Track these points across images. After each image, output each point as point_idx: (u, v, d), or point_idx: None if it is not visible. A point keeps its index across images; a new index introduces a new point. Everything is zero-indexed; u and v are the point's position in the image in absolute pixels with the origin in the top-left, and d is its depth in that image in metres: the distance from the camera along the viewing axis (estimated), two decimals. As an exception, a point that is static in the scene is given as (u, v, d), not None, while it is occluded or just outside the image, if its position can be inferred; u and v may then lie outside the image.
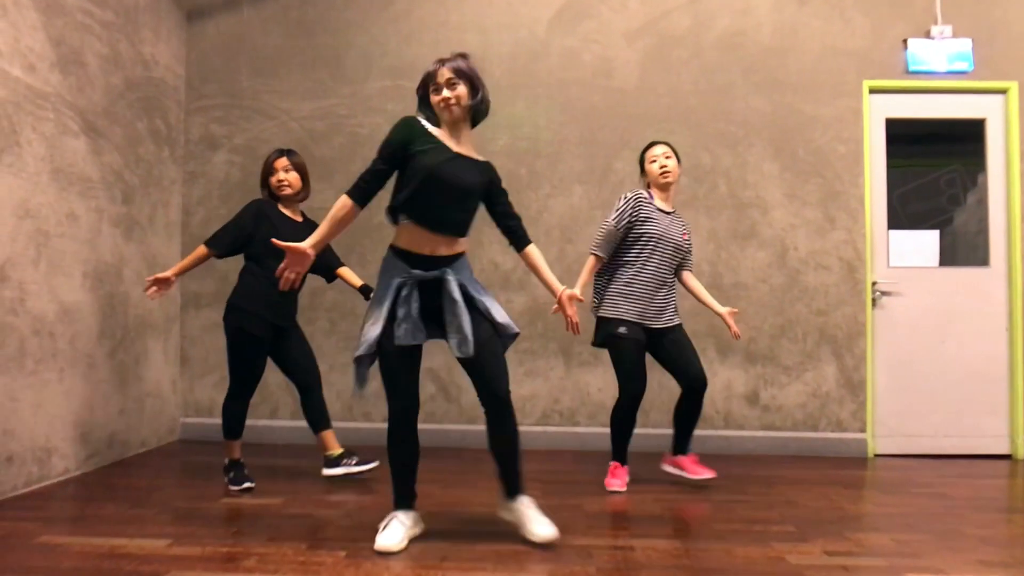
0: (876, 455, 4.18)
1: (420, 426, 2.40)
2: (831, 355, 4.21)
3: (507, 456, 2.46)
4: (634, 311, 3.18)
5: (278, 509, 2.84)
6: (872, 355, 4.22)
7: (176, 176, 4.36)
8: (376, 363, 2.40)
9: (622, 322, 3.18)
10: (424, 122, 2.43)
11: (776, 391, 4.22)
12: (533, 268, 2.58)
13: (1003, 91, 4.26)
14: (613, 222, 3.19)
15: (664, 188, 3.28)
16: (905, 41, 4.27)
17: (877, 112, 4.32)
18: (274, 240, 2.27)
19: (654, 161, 3.27)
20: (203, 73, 4.47)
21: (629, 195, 3.23)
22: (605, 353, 4.20)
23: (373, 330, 2.33)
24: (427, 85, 2.43)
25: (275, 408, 4.33)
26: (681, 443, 3.33)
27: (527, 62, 4.37)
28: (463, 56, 2.43)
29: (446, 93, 2.37)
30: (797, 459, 4.01)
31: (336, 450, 3.30)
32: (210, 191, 4.42)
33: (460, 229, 2.44)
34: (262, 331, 3.10)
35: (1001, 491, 3.43)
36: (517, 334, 2.52)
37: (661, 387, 4.22)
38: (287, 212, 3.24)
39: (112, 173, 3.70)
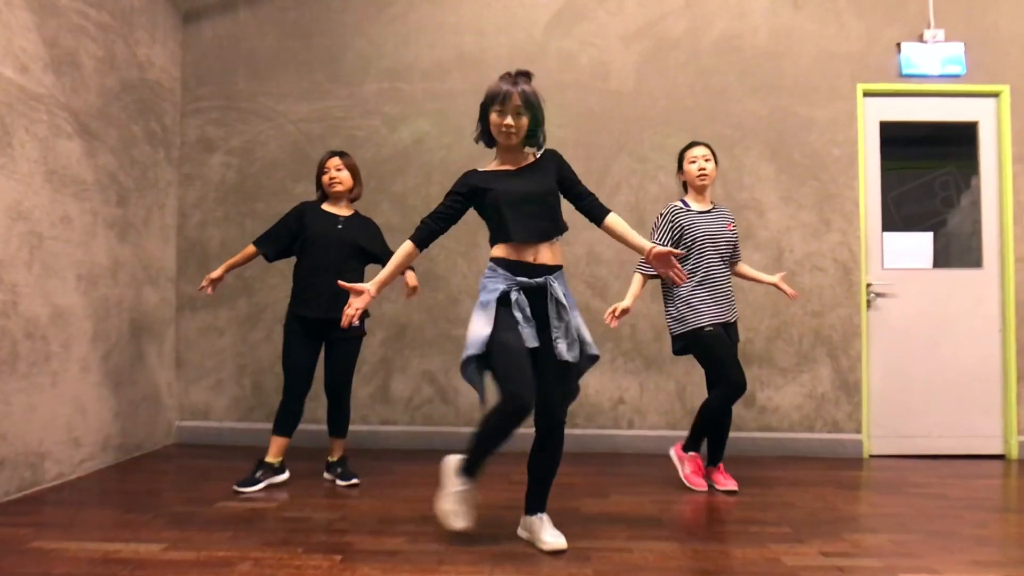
0: (871, 456, 4.19)
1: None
2: (826, 357, 4.22)
3: (544, 477, 2.48)
4: (712, 314, 3.20)
5: (273, 513, 2.83)
6: (867, 356, 4.23)
7: (172, 178, 4.34)
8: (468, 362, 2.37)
9: (705, 323, 3.20)
10: (478, 170, 2.48)
11: (772, 393, 4.23)
12: (617, 236, 2.50)
13: (995, 94, 4.29)
14: (657, 241, 3.23)
15: (700, 190, 3.32)
16: (899, 45, 4.29)
17: (871, 115, 4.34)
18: (340, 282, 2.47)
19: (693, 162, 3.30)
20: (199, 75, 4.46)
21: (664, 211, 3.30)
22: (605, 354, 4.24)
23: (482, 331, 2.30)
24: (492, 101, 2.40)
25: (271, 412, 4.30)
26: (709, 454, 3.37)
27: (524, 64, 4.27)
28: (527, 77, 2.43)
29: (510, 120, 2.37)
30: (793, 460, 4.02)
31: (334, 457, 3.44)
32: (206, 193, 4.41)
33: (549, 232, 2.43)
34: (298, 324, 3.25)
35: (995, 491, 3.45)
36: (598, 356, 2.50)
37: (658, 388, 4.23)
38: (332, 209, 3.35)
39: (107, 175, 3.68)
